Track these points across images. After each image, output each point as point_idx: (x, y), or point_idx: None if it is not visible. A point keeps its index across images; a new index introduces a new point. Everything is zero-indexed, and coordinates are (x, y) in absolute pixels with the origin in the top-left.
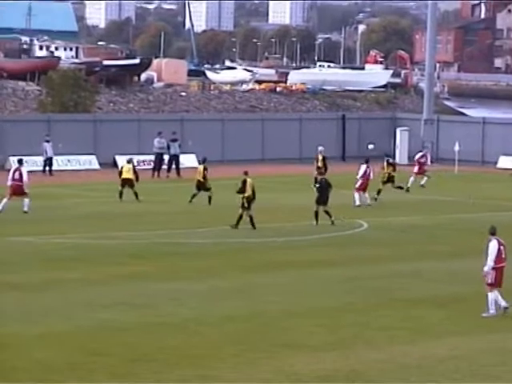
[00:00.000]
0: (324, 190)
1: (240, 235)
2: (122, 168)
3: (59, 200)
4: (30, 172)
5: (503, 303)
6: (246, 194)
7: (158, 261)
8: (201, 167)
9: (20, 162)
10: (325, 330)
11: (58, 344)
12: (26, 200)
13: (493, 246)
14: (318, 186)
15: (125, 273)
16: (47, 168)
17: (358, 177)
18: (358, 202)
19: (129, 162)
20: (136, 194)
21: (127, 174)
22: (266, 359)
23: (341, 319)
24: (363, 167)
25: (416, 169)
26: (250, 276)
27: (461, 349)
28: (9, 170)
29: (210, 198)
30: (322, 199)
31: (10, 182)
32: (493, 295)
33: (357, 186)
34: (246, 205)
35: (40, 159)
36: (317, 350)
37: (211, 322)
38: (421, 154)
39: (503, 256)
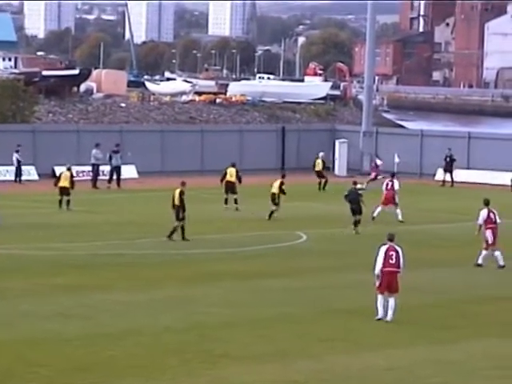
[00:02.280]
0: (355, 200)
1: (180, 246)
2: (60, 175)
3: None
4: None
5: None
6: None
7: (97, 272)
8: (233, 170)
9: None
10: (263, 340)
11: None
12: None
13: (382, 250)
14: (346, 194)
15: (64, 284)
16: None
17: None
18: (375, 214)
19: (68, 169)
20: (68, 202)
21: (64, 182)
22: (204, 370)
23: (279, 330)
24: (387, 181)
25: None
26: (190, 287)
27: (401, 360)
28: None
29: (235, 200)
30: (356, 209)
31: None
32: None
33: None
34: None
35: None
36: (255, 361)
37: (150, 333)
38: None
39: (391, 261)
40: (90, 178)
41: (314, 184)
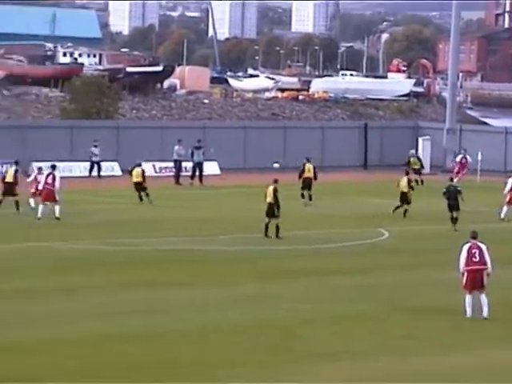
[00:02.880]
0: (453, 196)
1: (261, 243)
2: (131, 172)
3: (78, 206)
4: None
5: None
6: (267, 201)
7: (178, 268)
8: (310, 165)
9: (53, 167)
10: (339, 338)
11: (75, 350)
12: (57, 206)
13: (464, 249)
14: (444, 191)
15: (144, 279)
16: (96, 172)
17: (506, 191)
18: (502, 215)
19: (139, 165)
20: (148, 195)
21: (137, 178)
22: (285, 366)
23: (356, 328)
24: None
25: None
26: (269, 283)
27: (488, 360)
28: (29, 176)
29: (310, 197)
30: (454, 205)
31: (41, 186)
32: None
33: (507, 199)
34: (270, 212)
35: (63, 164)
36: (331, 359)
37: (226, 330)
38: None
39: (475, 259)
40: (172, 174)
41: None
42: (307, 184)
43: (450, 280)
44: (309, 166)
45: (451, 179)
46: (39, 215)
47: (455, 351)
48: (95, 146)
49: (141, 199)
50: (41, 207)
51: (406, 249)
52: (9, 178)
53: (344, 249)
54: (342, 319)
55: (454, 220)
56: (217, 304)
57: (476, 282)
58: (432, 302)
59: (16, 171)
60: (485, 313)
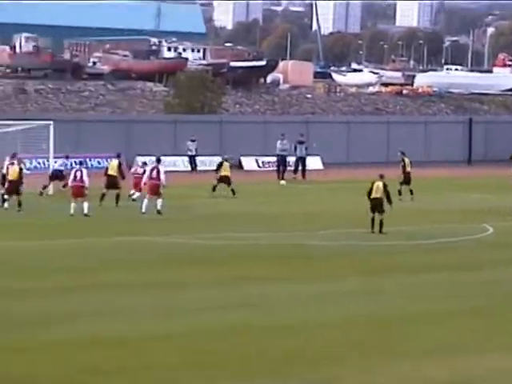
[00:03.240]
0: None
1: (363, 238)
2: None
3: (186, 200)
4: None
5: None
6: (372, 197)
7: (280, 262)
8: (407, 160)
9: (158, 160)
10: (452, 334)
11: (178, 344)
12: (160, 200)
13: None
14: None
15: (246, 274)
16: (192, 166)
17: None
18: None
19: (226, 160)
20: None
21: (225, 171)
22: (386, 364)
23: (469, 324)
24: None
25: None
26: (371, 279)
27: None
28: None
29: (411, 191)
30: None
31: (146, 180)
32: None
33: None
34: (373, 208)
35: (168, 159)
36: (446, 355)
37: (331, 325)
38: None
39: None
40: (274, 168)
41: (503, 176)
42: (408, 179)
43: None
44: (407, 160)
45: None
46: (143, 210)
47: None
48: (192, 141)
49: (233, 193)
50: (145, 202)
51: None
52: (111, 171)
53: (448, 244)
54: (455, 315)
55: None
56: (318, 299)
57: None
58: None
59: (119, 164)
60: None
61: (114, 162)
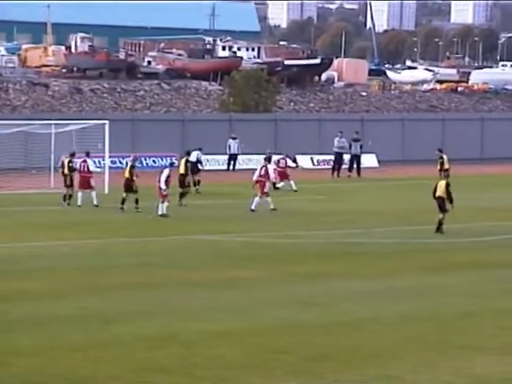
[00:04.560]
0: None
1: (421, 236)
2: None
3: (241, 198)
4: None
5: None
6: (436, 196)
7: (336, 260)
8: (446, 157)
9: (268, 159)
10: (508, 332)
11: (238, 342)
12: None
13: None
14: None
15: (303, 272)
16: (231, 165)
17: None
18: None
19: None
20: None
21: None
22: (445, 361)
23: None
24: None
25: None
26: (429, 276)
27: None
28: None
29: None
30: None
31: (256, 178)
32: None
33: None
34: (441, 207)
35: (222, 158)
36: (499, 353)
37: (389, 322)
38: None
39: None
40: (330, 166)
41: None
42: (447, 176)
43: None
44: (445, 158)
45: None
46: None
47: None
48: (233, 139)
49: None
50: (256, 200)
51: None
52: (126, 174)
53: (506, 242)
54: (509, 313)
55: None
56: (373, 296)
57: None
58: None
59: (132, 167)
60: None
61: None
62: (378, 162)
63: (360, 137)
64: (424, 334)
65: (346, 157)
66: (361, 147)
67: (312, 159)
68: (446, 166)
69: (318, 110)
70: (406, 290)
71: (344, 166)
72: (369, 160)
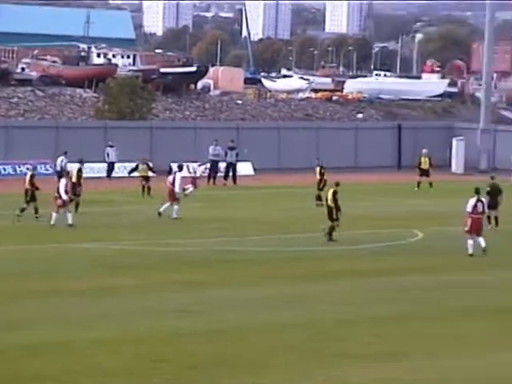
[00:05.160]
0: (495, 195)
1: (296, 244)
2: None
3: (117, 206)
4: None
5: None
6: (326, 204)
7: (212, 268)
8: (323, 166)
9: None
10: (383, 339)
11: (116, 350)
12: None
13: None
14: (488, 190)
15: (179, 280)
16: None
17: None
18: None
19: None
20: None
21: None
22: (321, 369)
23: (397, 329)
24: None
25: None
26: (304, 284)
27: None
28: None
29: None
30: (493, 203)
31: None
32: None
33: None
34: (330, 216)
35: (98, 166)
36: (375, 360)
37: (265, 330)
38: None
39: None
40: (206, 174)
41: (428, 182)
42: (324, 186)
43: (486, 282)
44: (322, 168)
45: (492, 177)
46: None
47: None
48: (110, 147)
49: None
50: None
51: (442, 250)
52: (27, 184)
53: (379, 249)
54: (384, 320)
55: (494, 219)
56: (250, 304)
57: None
58: (473, 303)
59: (32, 176)
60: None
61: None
62: (254, 170)
63: (236, 145)
64: (300, 342)
65: (222, 165)
66: (236, 155)
67: (188, 167)
68: (325, 177)
69: (194, 118)
70: (281, 298)
71: (220, 174)
72: (244, 168)
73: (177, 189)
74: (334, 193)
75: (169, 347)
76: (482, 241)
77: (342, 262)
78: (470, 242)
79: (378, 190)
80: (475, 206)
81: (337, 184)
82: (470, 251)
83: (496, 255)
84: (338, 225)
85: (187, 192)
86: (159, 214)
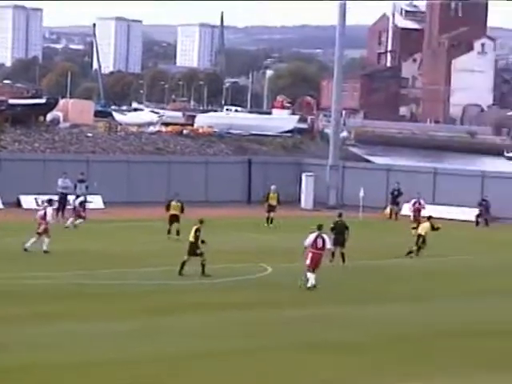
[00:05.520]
0: (340, 232)
1: (145, 277)
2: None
3: None
4: None
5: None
6: (189, 239)
7: (57, 301)
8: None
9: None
10: (225, 373)
11: None
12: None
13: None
14: (332, 226)
15: (22, 313)
16: None
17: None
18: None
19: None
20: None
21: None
22: None
23: (242, 362)
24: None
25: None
26: (155, 318)
27: None
28: None
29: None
30: (339, 240)
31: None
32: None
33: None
34: (190, 251)
35: None
36: None
37: (115, 363)
38: (414, 201)
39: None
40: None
41: (278, 217)
42: (176, 219)
43: (329, 316)
44: (174, 205)
45: (340, 215)
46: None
47: None
48: None
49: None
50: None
51: (290, 284)
52: None
53: (229, 284)
54: (231, 354)
55: (341, 255)
56: (98, 339)
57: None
58: (316, 338)
59: None
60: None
61: None
62: (104, 203)
63: (85, 177)
64: (153, 376)
65: (71, 197)
66: (86, 188)
67: (36, 199)
68: (173, 212)
69: (43, 151)
70: (132, 332)
71: (69, 207)
72: (95, 201)
73: (49, 220)
74: (197, 230)
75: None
76: (312, 277)
77: (195, 296)
78: (310, 275)
79: (228, 225)
80: (315, 241)
81: (201, 221)
82: (309, 284)
83: (342, 290)
84: (204, 259)
85: (76, 222)
86: (25, 249)
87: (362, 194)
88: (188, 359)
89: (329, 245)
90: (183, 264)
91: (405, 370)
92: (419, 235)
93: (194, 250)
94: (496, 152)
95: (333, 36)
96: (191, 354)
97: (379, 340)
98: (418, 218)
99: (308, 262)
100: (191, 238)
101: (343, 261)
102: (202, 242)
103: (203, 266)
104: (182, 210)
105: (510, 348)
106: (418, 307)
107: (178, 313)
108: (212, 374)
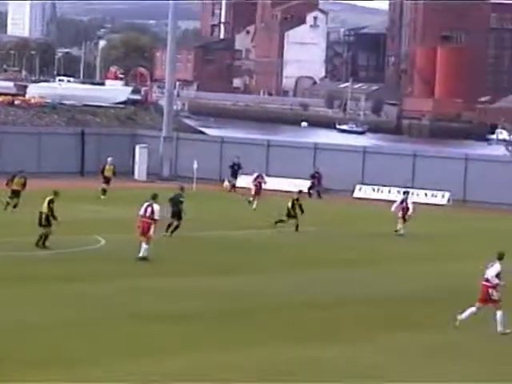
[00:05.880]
0: (175, 204)
1: None
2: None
3: None
4: None
5: None
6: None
7: None
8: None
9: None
10: (44, 346)
11: None
12: None
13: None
14: (170, 197)
15: None
16: None
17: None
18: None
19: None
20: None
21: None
22: None
23: (74, 332)
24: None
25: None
26: None
27: (198, 365)
28: None
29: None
30: (175, 212)
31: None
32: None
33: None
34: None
35: None
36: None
37: None
38: (256, 174)
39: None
40: None
41: (112, 189)
42: (17, 194)
43: (155, 288)
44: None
45: (181, 188)
46: None
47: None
48: None
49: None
50: None
51: (123, 256)
52: None
53: (63, 256)
54: (64, 326)
55: (171, 226)
56: None
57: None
58: (153, 309)
59: None
60: None
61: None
62: None
63: None
64: None
65: None
66: None
67: None
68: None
69: None
70: None
71: None
72: None
73: None
74: (50, 201)
75: None
76: (144, 248)
77: (21, 268)
78: (144, 246)
79: (61, 196)
80: (145, 209)
81: (55, 193)
82: (140, 254)
83: (173, 262)
84: (49, 232)
85: None
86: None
87: (195, 165)
88: (21, 331)
89: (157, 215)
90: (40, 238)
91: (224, 340)
92: (288, 208)
93: (46, 220)
94: (327, 124)
95: (167, 7)
96: (24, 326)
97: (205, 311)
98: (258, 192)
99: (137, 229)
100: (44, 209)
101: (168, 231)
102: (54, 217)
103: (46, 237)
104: (23, 186)
105: (327, 319)
106: (242, 279)
107: (9, 284)
108: (44, 345)
